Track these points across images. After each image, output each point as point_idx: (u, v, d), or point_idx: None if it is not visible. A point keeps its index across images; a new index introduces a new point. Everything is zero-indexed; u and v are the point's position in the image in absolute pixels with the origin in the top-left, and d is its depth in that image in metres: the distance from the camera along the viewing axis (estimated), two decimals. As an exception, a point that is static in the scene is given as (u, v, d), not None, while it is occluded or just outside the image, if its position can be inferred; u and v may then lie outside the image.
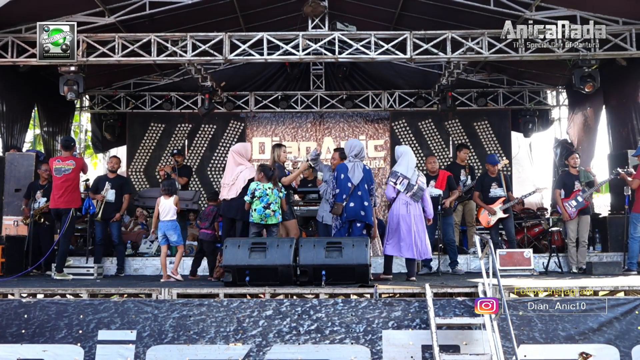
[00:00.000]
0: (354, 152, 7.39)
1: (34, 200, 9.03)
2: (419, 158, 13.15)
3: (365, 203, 7.22)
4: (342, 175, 7.24)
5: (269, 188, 7.26)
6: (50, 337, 6.10)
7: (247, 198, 7.32)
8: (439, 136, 13.30)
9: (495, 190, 8.98)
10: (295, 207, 8.68)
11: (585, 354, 5.91)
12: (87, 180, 10.14)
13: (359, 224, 7.21)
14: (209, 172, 13.34)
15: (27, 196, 9.22)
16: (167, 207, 7.92)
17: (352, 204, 7.16)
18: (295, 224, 7.79)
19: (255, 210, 7.24)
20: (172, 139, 13.42)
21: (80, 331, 6.10)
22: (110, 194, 8.90)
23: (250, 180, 7.51)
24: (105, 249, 9.13)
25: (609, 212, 10.24)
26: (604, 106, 11.22)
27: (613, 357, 5.92)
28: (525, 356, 5.86)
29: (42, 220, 8.89)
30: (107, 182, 8.97)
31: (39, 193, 9.04)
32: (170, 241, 7.95)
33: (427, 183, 8.72)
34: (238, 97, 13.30)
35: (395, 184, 7.38)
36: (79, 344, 6.07)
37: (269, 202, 7.22)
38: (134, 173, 13.28)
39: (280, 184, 7.40)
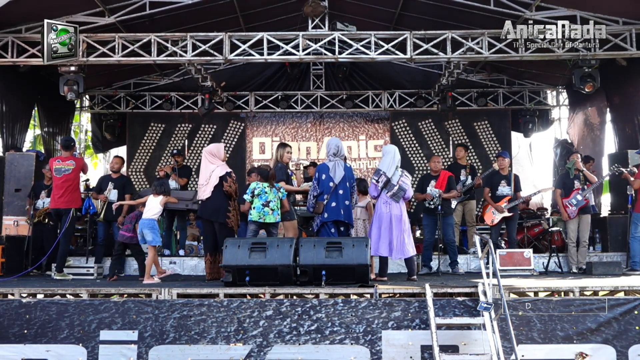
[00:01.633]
0: (332, 151, 7.38)
1: (38, 200, 9.03)
2: (419, 158, 13.20)
3: (346, 202, 7.24)
4: (324, 175, 7.26)
5: (268, 186, 7.28)
6: (52, 337, 6.12)
7: (246, 197, 7.34)
8: (439, 136, 13.30)
9: (503, 189, 8.98)
10: (295, 207, 8.67)
11: (584, 354, 5.92)
12: (87, 180, 10.15)
13: (342, 228, 7.23)
14: (209, 172, 13.31)
15: (31, 196, 9.21)
16: (151, 205, 7.78)
17: (333, 204, 7.17)
18: (294, 225, 7.71)
19: (254, 208, 7.27)
20: (172, 139, 13.42)
21: (82, 331, 6.11)
22: (112, 194, 8.90)
23: (222, 178, 7.50)
24: (106, 249, 9.13)
25: (609, 212, 10.24)
26: (608, 105, 11.21)
27: (610, 357, 5.93)
28: (523, 356, 5.86)
29: (47, 220, 8.90)
30: (109, 183, 8.97)
31: (43, 193, 9.06)
32: (146, 240, 7.73)
33: (428, 183, 8.75)
34: (238, 97, 13.31)
35: (377, 181, 7.37)
36: (81, 344, 6.09)
37: (268, 200, 7.24)
38: (134, 173, 13.28)
39: (277, 185, 7.37)
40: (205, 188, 7.60)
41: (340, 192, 7.22)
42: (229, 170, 7.69)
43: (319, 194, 7.24)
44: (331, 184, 7.20)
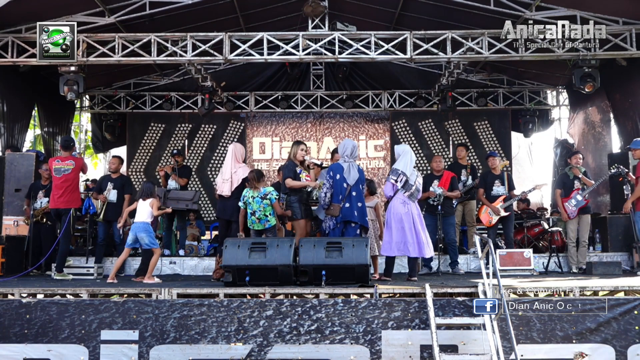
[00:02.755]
0: (348, 152, 7.32)
1: (35, 200, 9.03)
2: (419, 158, 13.21)
3: (359, 204, 7.19)
4: (338, 176, 7.19)
5: (252, 197, 7.34)
6: (53, 337, 6.13)
7: (240, 204, 7.48)
8: (439, 136, 13.31)
9: (498, 189, 8.98)
10: (313, 208, 8.56)
11: (583, 354, 5.92)
12: (87, 180, 10.15)
13: (353, 225, 7.19)
14: (209, 172, 13.35)
15: (28, 196, 9.22)
16: (142, 208, 7.76)
17: (347, 205, 7.13)
18: (300, 225, 7.54)
19: (247, 216, 7.43)
20: (172, 139, 13.43)
21: (83, 331, 6.11)
22: (112, 195, 8.88)
23: (245, 180, 7.67)
24: (106, 249, 9.13)
25: (609, 212, 10.24)
26: (610, 105, 11.21)
27: (608, 357, 5.94)
28: (522, 356, 5.86)
29: (45, 220, 8.89)
30: (109, 183, 8.96)
31: (40, 193, 9.05)
32: (143, 244, 7.70)
33: (431, 182, 8.75)
34: (238, 97, 13.32)
35: (396, 181, 7.33)
36: (82, 344, 6.10)
37: (253, 210, 7.33)
38: (134, 173, 13.29)
39: (265, 191, 7.36)
40: (227, 185, 7.74)
41: (354, 193, 7.17)
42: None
43: (332, 195, 7.17)
44: (345, 185, 7.16)
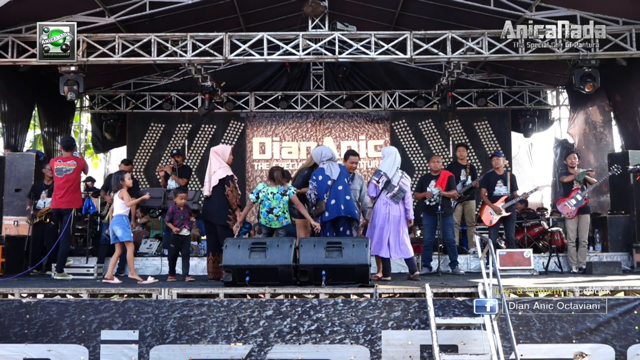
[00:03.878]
0: (327, 157, 7.39)
1: (38, 200, 9.03)
2: (419, 158, 13.21)
3: (347, 197, 7.21)
4: (321, 177, 7.24)
5: (271, 193, 7.29)
6: (53, 337, 6.13)
7: (251, 197, 7.45)
8: (439, 136, 13.31)
9: (500, 189, 8.97)
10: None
11: (583, 354, 5.92)
12: (87, 180, 10.14)
13: (341, 228, 7.19)
14: (209, 172, 13.33)
15: (31, 196, 9.20)
16: (116, 202, 7.74)
17: (333, 201, 7.15)
18: (305, 224, 7.56)
19: (261, 212, 7.40)
20: (172, 139, 13.43)
21: (83, 331, 6.12)
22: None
23: (222, 180, 7.60)
24: (108, 249, 9.11)
25: (609, 212, 10.24)
26: (610, 105, 11.21)
27: (608, 357, 5.94)
28: (522, 355, 5.86)
29: (48, 220, 8.89)
30: None
31: (43, 193, 9.06)
32: (117, 236, 7.63)
33: (428, 182, 8.75)
34: (238, 97, 13.32)
35: (378, 182, 7.37)
36: (82, 344, 6.10)
37: (271, 207, 7.28)
38: (134, 173, 13.26)
39: (287, 185, 7.36)
40: (207, 186, 7.76)
41: (340, 187, 7.20)
42: (231, 173, 7.75)
43: (317, 195, 7.22)
44: (329, 182, 7.20)
